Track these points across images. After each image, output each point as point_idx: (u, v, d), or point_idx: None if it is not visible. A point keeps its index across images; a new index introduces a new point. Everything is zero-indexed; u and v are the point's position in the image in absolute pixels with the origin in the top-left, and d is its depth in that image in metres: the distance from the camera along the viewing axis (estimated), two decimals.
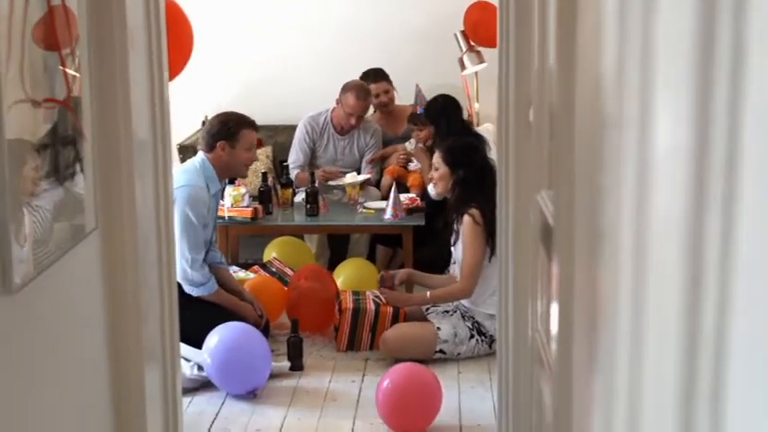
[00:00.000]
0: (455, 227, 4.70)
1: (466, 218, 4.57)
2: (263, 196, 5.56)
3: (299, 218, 5.61)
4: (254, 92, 6.77)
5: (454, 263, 4.81)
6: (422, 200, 5.64)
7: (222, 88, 6.78)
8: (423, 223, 5.41)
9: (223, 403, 4.18)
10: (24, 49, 1.84)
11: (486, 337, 4.59)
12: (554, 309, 2.05)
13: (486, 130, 6.04)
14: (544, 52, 2.25)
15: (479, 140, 5.18)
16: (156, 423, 2.71)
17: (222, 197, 5.18)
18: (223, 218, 5.28)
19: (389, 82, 6.38)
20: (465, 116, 6.16)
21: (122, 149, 2.45)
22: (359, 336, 4.73)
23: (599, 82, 1.27)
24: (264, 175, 5.73)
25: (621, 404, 1.26)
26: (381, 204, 5.61)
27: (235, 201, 5.35)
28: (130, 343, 2.56)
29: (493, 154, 4.76)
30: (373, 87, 6.22)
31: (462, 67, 6.53)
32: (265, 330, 4.65)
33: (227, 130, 4.65)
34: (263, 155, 6.41)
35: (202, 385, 4.29)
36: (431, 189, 5.40)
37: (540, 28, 2.33)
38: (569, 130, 1.69)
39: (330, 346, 4.82)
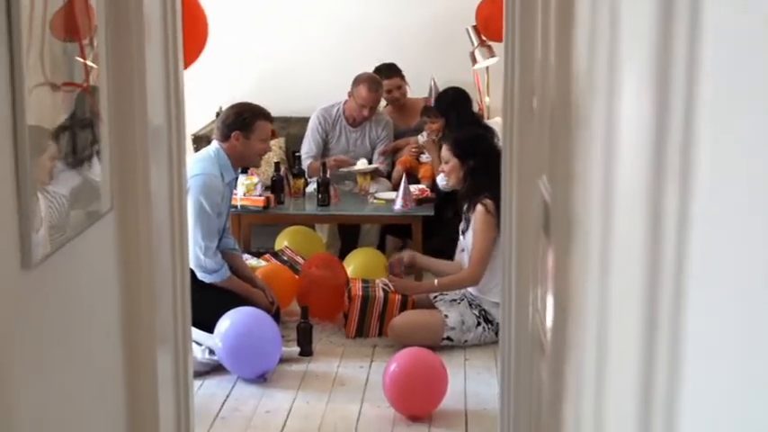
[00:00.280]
0: (467, 215, 4.77)
1: (479, 207, 4.63)
2: (276, 186, 5.65)
3: (311, 207, 5.70)
4: (268, 84, 6.86)
5: (462, 251, 4.88)
6: (431, 191, 5.72)
7: (236, 80, 6.87)
8: (432, 213, 5.49)
9: (233, 386, 4.27)
10: (45, 36, 1.92)
11: (492, 324, 4.66)
12: (549, 295, 2.12)
13: (496, 123, 6.10)
14: (546, 44, 2.32)
15: (489, 132, 5.25)
16: (168, 405, 2.77)
17: (236, 186, 5.27)
18: (236, 206, 5.36)
19: (402, 77, 6.46)
20: (476, 109, 6.23)
21: (138, 135, 2.52)
22: (367, 323, 4.82)
23: (579, 71, 1.35)
24: (277, 165, 5.82)
25: (589, 385, 1.34)
26: (392, 195, 5.69)
27: (247, 190, 5.44)
28: (144, 326, 2.62)
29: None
30: (386, 83, 6.30)
31: (474, 61, 6.59)
32: (276, 317, 4.73)
33: (243, 121, 4.73)
34: (276, 145, 6.50)
35: (213, 369, 4.38)
36: (440, 180, 5.50)
37: (543, 21, 2.41)
38: (565, 118, 1.76)
39: (339, 333, 4.90)
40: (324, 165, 5.74)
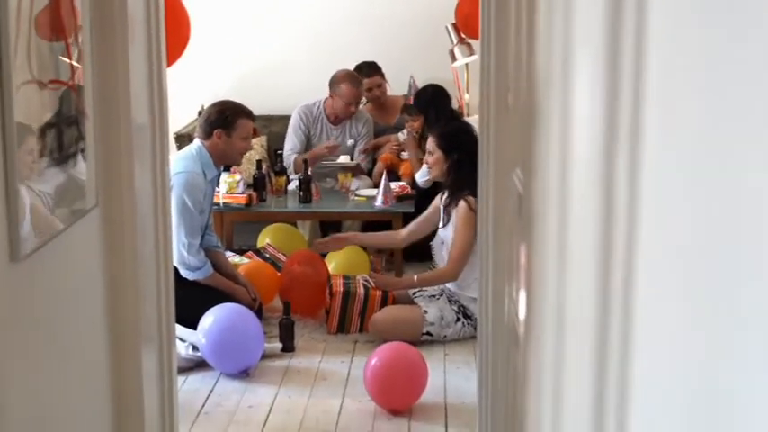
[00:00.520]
0: (447, 209, 4.82)
1: (462, 203, 4.68)
2: (258, 183, 5.71)
3: (293, 205, 5.76)
4: (250, 82, 6.92)
5: (442, 243, 4.94)
6: (411, 188, 5.79)
7: (218, 79, 6.92)
8: (412, 210, 5.55)
9: (217, 382, 4.33)
10: (31, 35, 1.97)
11: (471, 320, 4.72)
12: (522, 287, 2.18)
13: (475, 120, 6.17)
14: (519, 43, 2.39)
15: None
16: (152, 400, 2.81)
17: (218, 184, 5.33)
18: (218, 204, 5.42)
19: (382, 75, 6.53)
20: (455, 106, 6.30)
21: (122, 133, 2.56)
22: (349, 318, 4.88)
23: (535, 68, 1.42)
24: (259, 162, 5.87)
25: (548, 370, 1.40)
26: (372, 192, 5.76)
27: (230, 188, 5.49)
28: (128, 322, 2.65)
29: None
30: (367, 82, 6.37)
31: (453, 58, 6.66)
32: (259, 313, 4.78)
33: (225, 119, 4.78)
34: (258, 144, 6.56)
35: (197, 365, 4.43)
36: (418, 177, 5.58)
37: (516, 20, 2.48)
38: (530, 113, 1.83)
39: (321, 329, 4.96)
40: (305, 162, 5.80)
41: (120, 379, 2.66)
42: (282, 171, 5.93)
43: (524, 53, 2.11)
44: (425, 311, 4.74)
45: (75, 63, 2.26)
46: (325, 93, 6.24)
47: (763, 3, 0.67)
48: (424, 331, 4.72)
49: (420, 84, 6.48)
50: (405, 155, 6.21)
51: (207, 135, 4.79)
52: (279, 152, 6.15)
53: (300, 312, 5.00)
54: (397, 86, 6.69)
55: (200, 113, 5.97)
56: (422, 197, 5.58)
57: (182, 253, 4.60)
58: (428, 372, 4.05)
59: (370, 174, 6.33)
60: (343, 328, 4.90)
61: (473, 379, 4.24)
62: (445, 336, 4.75)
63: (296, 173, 6.01)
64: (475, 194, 4.57)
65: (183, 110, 6.46)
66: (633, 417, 1.01)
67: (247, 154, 5.18)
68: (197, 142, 4.84)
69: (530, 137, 1.85)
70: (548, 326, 1.45)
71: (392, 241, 5.28)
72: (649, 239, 0.93)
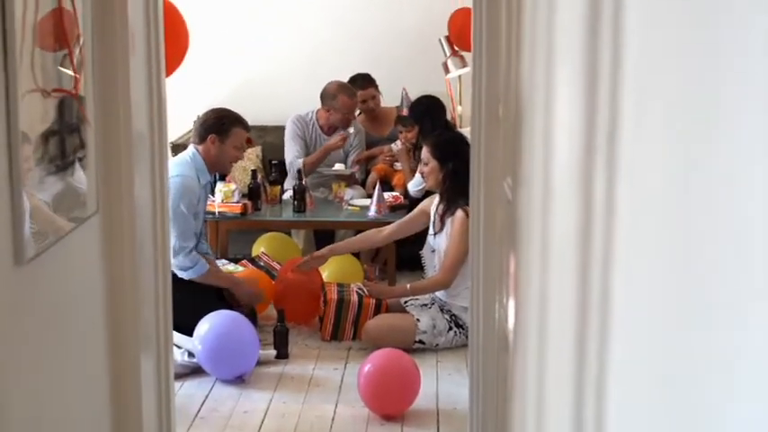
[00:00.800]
0: (442, 217, 4.86)
1: (460, 213, 4.71)
2: (253, 193, 5.77)
3: (287, 214, 5.82)
4: (245, 93, 6.98)
5: (433, 251, 4.99)
6: (404, 198, 5.86)
7: (213, 90, 6.98)
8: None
9: (212, 387, 4.38)
10: (35, 44, 2.03)
11: (463, 329, 4.76)
12: (511, 293, 2.23)
13: (468, 132, 6.24)
14: (509, 55, 2.46)
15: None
16: (150, 404, 2.86)
17: (213, 191, 5.39)
18: (214, 213, 5.48)
19: (376, 87, 6.61)
20: (449, 117, 6.38)
21: (122, 141, 2.61)
22: (342, 326, 4.93)
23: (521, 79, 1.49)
24: (254, 172, 5.94)
25: (531, 373, 1.46)
26: (366, 202, 5.82)
27: (225, 197, 5.55)
28: (128, 327, 2.70)
29: None
30: (361, 94, 6.44)
31: (446, 70, 6.73)
32: (253, 320, 4.84)
33: (221, 125, 4.85)
34: (253, 154, 6.63)
35: (193, 371, 4.48)
36: (411, 187, 5.65)
37: (507, 34, 2.55)
38: (517, 122, 1.90)
39: (315, 336, 5.02)
40: (300, 172, 5.86)
41: (120, 382, 2.70)
42: (277, 181, 6.00)
43: (514, 65, 2.18)
44: (418, 320, 4.80)
45: (78, 68, 2.32)
46: (319, 103, 6.31)
47: (734, 16, 0.72)
48: (417, 339, 4.78)
49: (413, 96, 6.55)
50: (398, 165, 6.29)
51: (201, 139, 4.86)
52: (273, 162, 6.20)
53: (295, 320, 5.06)
54: (390, 98, 6.76)
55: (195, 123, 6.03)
56: (414, 206, 5.63)
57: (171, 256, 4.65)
58: (421, 378, 4.10)
59: (363, 184, 6.40)
60: (336, 335, 4.95)
61: (464, 385, 4.29)
62: (437, 344, 4.81)
63: (306, 175, 6.06)
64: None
65: (179, 120, 6.52)
66: (610, 422, 1.07)
67: (243, 164, 5.23)
68: (191, 148, 4.90)
69: (517, 145, 1.92)
70: (531, 333, 1.49)
71: (372, 241, 5.29)
72: (625, 244, 0.98)
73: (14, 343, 1.94)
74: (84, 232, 2.43)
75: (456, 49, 6.63)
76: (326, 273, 5.48)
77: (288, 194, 5.97)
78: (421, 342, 4.78)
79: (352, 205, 5.88)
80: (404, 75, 6.89)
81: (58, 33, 2.18)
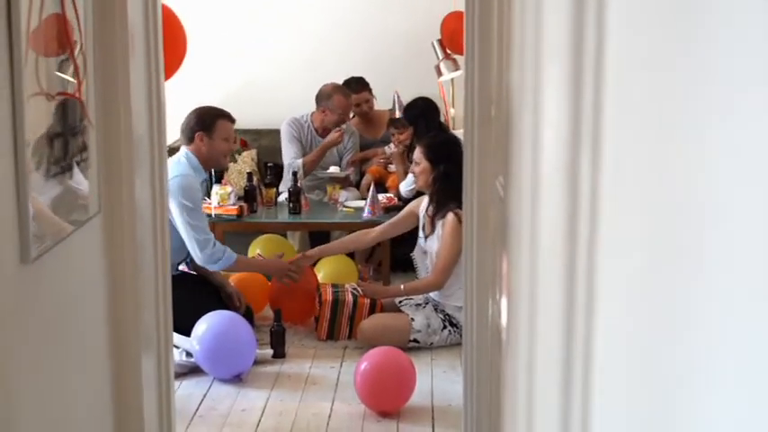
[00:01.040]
0: (433, 219, 4.91)
1: (451, 215, 4.76)
2: (249, 195, 5.83)
3: (282, 216, 5.88)
4: (240, 97, 7.04)
5: (424, 253, 5.05)
6: (398, 199, 5.92)
7: (208, 93, 7.01)
8: None
9: (210, 386, 4.43)
10: (39, 50, 2.08)
11: (458, 328, 4.81)
12: (504, 291, 2.27)
13: (461, 134, 6.30)
14: (501, 57, 2.52)
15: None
16: (151, 402, 2.90)
17: (209, 192, 5.46)
18: (210, 215, 5.53)
19: (370, 91, 6.67)
20: (442, 119, 6.44)
21: (123, 143, 2.64)
22: (338, 326, 4.99)
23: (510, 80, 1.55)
24: (250, 175, 5.99)
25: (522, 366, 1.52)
26: (360, 203, 5.88)
27: (221, 199, 5.61)
28: (129, 327, 2.74)
29: None
30: (355, 97, 6.50)
31: (439, 73, 6.79)
32: (250, 320, 4.90)
33: (204, 122, 4.92)
34: (249, 157, 6.69)
35: (191, 370, 4.54)
36: (402, 187, 5.70)
37: (498, 36, 2.61)
38: (508, 121, 1.96)
39: (311, 336, 5.07)
40: (295, 174, 5.92)
41: (121, 381, 2.74)
42: (272, 183, 6.06)
43: (505, 67, 2.24)
44: (412, 319, 4.86)
45: (80, 73, 2.37)
46: (314, 107, 6.37)
47: (714, 15, 0.75)
48: (411, 338, 4.84)
49: (405, 99, 6.60)
50: (392, 167, 6.35)
51: (189, 140, 4.92)
52: (269, 164, 6.26)
53: (291, 320, 5.11)
54: (383, 101, 6.83)
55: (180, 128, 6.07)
56: None
57: (197, 254, 4.73)
58: (416, 376, 4.16)
59: (358, 186, 6.46)
60: (332, 335, 5.01)
61: (459, 383, 4.34)
62: (432, 343, 4.86)
63: (306, 175, 6.12)
64: (462, 206, 4.68)
65: (177, 123, 6.55)
66: (595, 416, 1.10)
67: (238, 167, 5.27)
68: (183, 149, 4.96)
69: (508, 145, 1.98)
70: (521, 331, 1.52)
71: (361, 242, 5.33)
72: (609, 240, 1.02)
73: (18, 341, 1.98)
74: (86, 233, 2.46)
75: (448, 52, 6.69)
76: (322, 273, 5.54)
77: (283, 197, 6.03)
78: (416, 341, 4.84)
79: (347, 207, 5.95)
80: (397, 78, 6.95)
81: (61, 37, 2.24)
